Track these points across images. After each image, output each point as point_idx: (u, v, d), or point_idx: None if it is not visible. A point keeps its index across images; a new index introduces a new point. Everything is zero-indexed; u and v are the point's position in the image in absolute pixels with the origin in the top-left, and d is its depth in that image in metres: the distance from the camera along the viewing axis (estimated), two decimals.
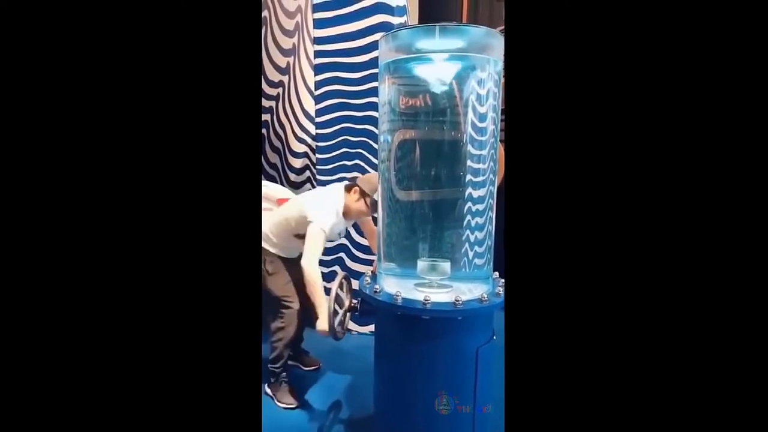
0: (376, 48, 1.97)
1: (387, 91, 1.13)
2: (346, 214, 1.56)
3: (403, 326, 1.12)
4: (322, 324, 1.33)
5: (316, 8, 2.06)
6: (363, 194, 1.53)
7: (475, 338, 1.11)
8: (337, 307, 1.27)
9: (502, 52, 1.03)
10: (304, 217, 1.49)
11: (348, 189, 1.57)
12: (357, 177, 1.83)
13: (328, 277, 2.26)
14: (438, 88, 1.04)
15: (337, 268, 2.25)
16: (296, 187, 2.58)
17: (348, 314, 1.35)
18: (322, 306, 1.37)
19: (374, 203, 1.51)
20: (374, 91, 1.99)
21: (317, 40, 2.10)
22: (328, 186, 1.69)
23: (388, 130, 1.15)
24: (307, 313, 1.80)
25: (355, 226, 2.13)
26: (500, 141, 1.13)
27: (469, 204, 1.11)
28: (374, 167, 2.05)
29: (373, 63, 1.97)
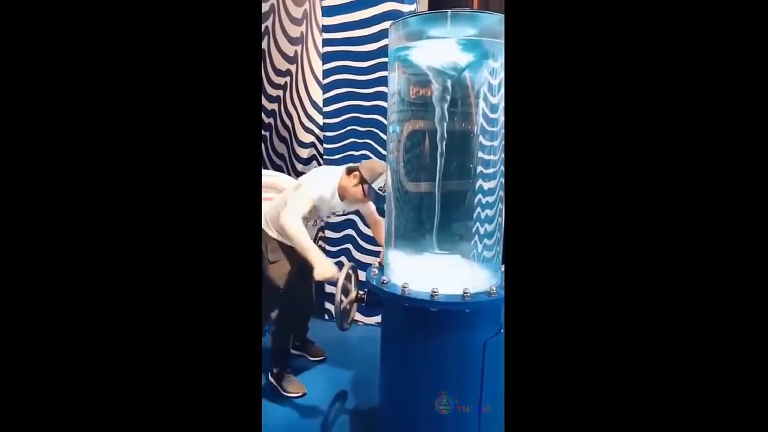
0: (386, 36, 1.94)
1: (396, 80, 1.11)
2: (342, 195, 1.54)
3: (410, 318, 1.11)
4: (320, 272, 1.30)
5: None
6: (362, 180, 1.49)
7: (482, 331, 1.10)
8: (343, 298, 1.26)
9: None
10: (298, 185, 1.48)
11: (348, 172, 1.54)
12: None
13: None
14: (449, 74, 1.01)
15: (343, 258, 2.24)
16: None
17: (354, 305, 1.34)
18: (313, 253, 1.34)
19: (372, 192, 1.48)
20: (383, 81, 1.96)
21: (325, 28, 2.08)
22: (332, 167, 1.67)
23: (397, 121, 1.13)
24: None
25: (362, 217, 2.12)
26: None
27: (479, 196, 1.09)
28: (382, 158, 2.04)
29: (383, 52, 1.94)
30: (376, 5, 1.92)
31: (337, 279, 1.23)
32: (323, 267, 1.30)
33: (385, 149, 2.02)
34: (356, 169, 1.52)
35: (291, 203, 1.42)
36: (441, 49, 1.02)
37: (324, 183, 1.50)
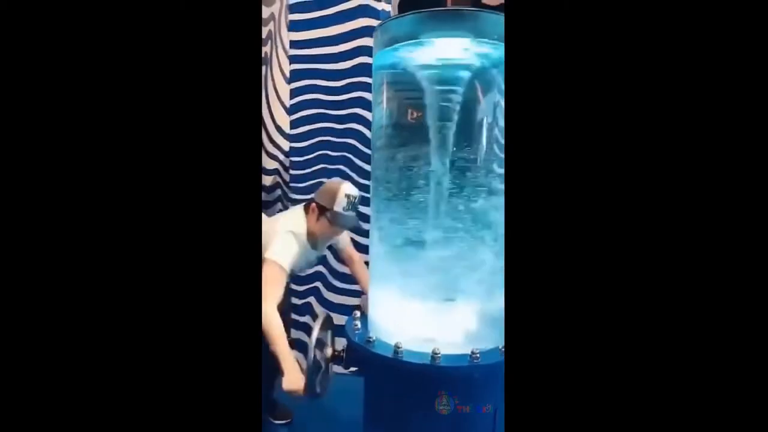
0: (360, 54, 1.79)
1: (385, 100, 0.92)
2: (313, 239, 1.32)
3: (405, 385, 0.89)
4: (291, 382, 1.09)
5: (293, 9, 1.86)
6: (322, 210, 1.28)
7: (493, 397, 0.90)
8: (317, 356, 1.03)
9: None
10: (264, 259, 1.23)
11: (306, 209, 1.32)
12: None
13: (302, 310, 2.00)
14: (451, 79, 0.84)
15: (312, 299, 1.99)
16: (266, 207, 2.32)
17: (331, 365, 1.11)
18: (288, 360, 1.12)
19: (339, 218, 1.27)
20: (358, 102, 1.80)
21: (293, 44, 1.89)
22: (290, 209, 1.44)
23: (385, 147, 0.94)
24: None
25: (335, 253, 1.90)
26: None
27: (485, 233, 0.91)
28: (358, 187, 1.84)
29: (357, 70, 1.78)
30: (350, 21, 1.77)
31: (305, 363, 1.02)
32: (294, 378, 1.09)
33: (360, 176, 1.83)
34: (312, 202, 1.31)
35: (266, 290, 1.14)
36: (440, 51, 0.85)
37: (289, 242, 1.24)
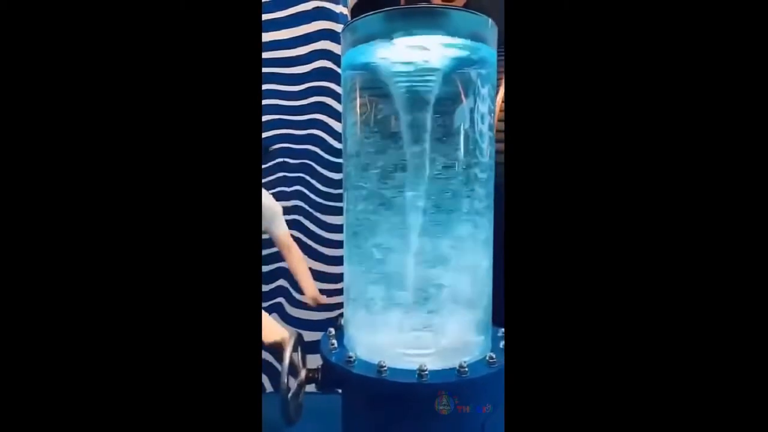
0: (320, 57, 1.73)
1: (358, 107, 0.87)
2: None
3: (391, 406, 0.84)
4: (265, 334, 0.99)
5: None
6: None
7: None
8: (291, 380, 0.96)
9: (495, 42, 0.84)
10: None
11: None
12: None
13: None
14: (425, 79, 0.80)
15: (275, 316, 1.88)
16: None
17: (304, 389, 1.03)
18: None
19: None
20: (318, 107, 1.73)
21: None
22: None
23: (359, 153, 0.88)
24: None
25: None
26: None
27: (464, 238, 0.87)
28: (321, 195, 1.76)
29: (318, 74, 1.71)
30: (307, 23, 1.70)
31: (283, 350, 0.94)
32: (269, 328, 0.99)
33: (323, 185, 1.76)
34: None
35: None
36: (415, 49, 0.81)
37: None
